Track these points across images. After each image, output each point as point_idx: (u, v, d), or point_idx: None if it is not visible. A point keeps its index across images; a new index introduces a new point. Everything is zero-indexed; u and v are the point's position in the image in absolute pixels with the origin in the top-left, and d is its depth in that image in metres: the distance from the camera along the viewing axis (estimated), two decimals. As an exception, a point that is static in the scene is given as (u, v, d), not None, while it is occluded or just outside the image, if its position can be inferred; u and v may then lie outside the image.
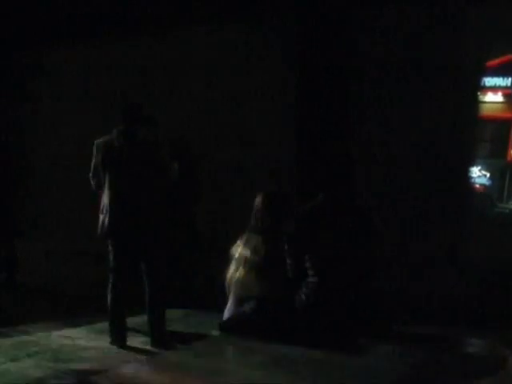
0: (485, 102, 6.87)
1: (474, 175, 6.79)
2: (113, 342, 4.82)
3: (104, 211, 4.78)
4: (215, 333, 4.27)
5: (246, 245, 3.78)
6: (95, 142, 4.85)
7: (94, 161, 4.84)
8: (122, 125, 4.79)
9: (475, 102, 6.69)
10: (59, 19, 7.88)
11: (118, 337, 4.82)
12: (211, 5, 7.05)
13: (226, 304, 3.86)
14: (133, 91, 7.17)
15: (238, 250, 3.81)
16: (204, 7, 7.10)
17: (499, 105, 7.07)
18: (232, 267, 3.80)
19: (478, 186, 6.93)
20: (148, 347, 4.75)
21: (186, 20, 7.25)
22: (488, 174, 7.02)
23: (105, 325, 4.99)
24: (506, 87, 6.87)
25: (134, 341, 4.93)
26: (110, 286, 4.86)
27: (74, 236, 7.77)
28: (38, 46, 8.38)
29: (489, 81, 6.81)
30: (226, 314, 3.81)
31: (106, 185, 4.78)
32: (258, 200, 3.87)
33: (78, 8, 7.70)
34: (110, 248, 4.86)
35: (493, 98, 6.95)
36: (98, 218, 4.85)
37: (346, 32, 6.41)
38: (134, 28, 7.62)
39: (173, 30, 7.45)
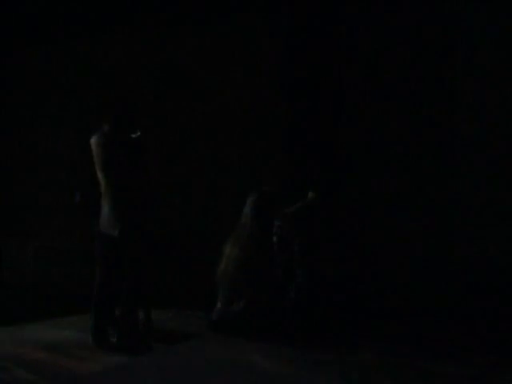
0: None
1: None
2: (95, 341, 4.76)
3: (94, 210, 4.78)
4: (204, 332, 4.23)
5: (235, 243, 3.77)
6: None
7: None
8: (108, 123, 4.77)
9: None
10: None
11: (101, 336, 4.76)
12: (198, 5, 7.03)
13: (215, 304, 3.83)
14: (114, 91, 7.14)
15: (228, 247, 3.79)
16: (190, 7, 7.08)
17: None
18: (222, 265, 3.79)
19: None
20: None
21: (171, 21, 7.22)
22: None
23: (87, 323, 4.93)
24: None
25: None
26: (96, 284, 4.81)
27: (63, 233, 7.70)
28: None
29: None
30: (215, 313, 3.79)
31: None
32: (251, 199, 3.85)
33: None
34: (97, 246, 4.82)
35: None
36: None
37: (338, 30, 6.39)
38: (120, 26, 7.59)
39: (162, 29, 7.42)
